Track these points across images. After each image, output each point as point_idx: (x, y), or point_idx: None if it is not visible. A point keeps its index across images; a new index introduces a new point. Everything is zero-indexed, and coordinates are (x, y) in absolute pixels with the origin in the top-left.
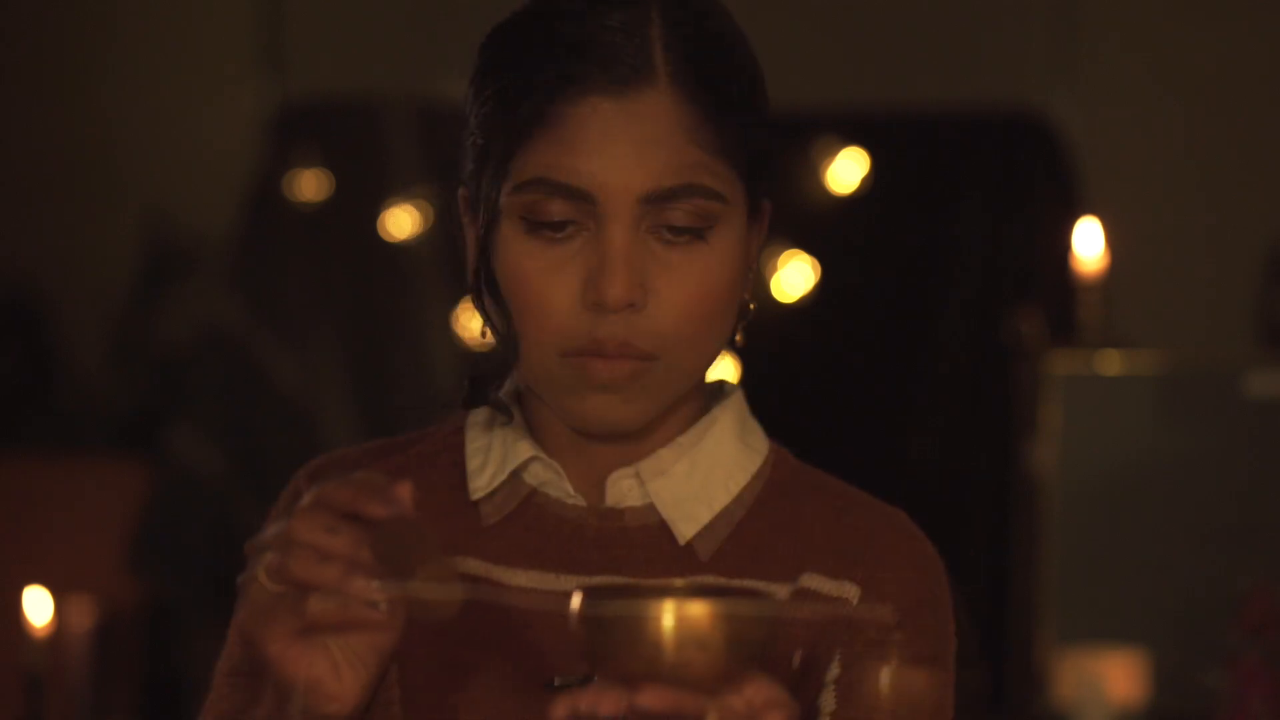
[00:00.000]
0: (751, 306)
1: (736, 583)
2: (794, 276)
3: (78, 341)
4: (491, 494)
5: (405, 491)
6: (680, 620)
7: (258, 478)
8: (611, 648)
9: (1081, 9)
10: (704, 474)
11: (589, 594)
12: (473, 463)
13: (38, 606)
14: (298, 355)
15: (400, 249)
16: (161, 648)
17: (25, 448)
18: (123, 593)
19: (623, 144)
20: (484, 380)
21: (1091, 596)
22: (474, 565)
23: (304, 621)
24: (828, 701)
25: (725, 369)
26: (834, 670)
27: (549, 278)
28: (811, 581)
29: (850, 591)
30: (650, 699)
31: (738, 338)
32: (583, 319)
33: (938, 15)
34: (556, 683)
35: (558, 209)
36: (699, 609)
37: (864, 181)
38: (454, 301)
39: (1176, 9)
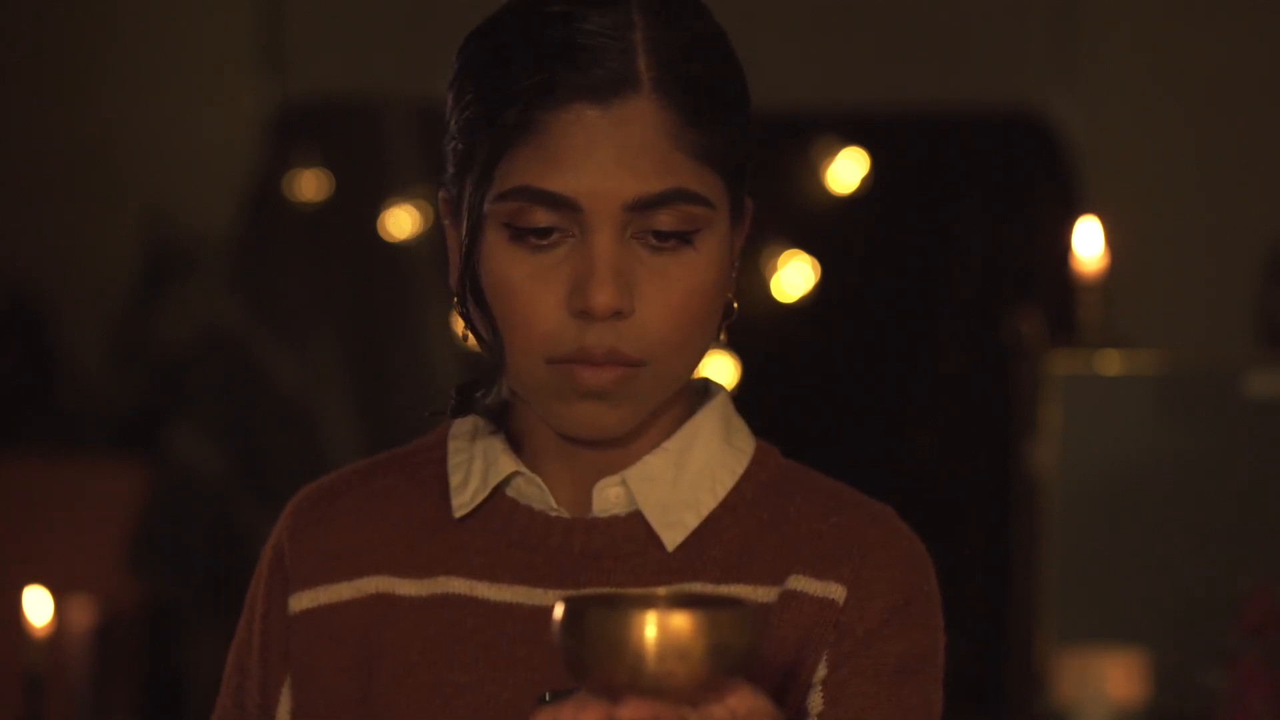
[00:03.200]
0: (735, 305)
1: (721, 590)
2: (794, 276)
3: (78, 341)
4: (474, 510)
5: None
6: (661, 631)
7: (258, 478)
8: (593, 659)
9: (1081, 9)
10: (690, 479)
11: (570, 605)
12: (454, 478)
13: (38, 606)
14: (298, 355)
15: (400, 249)
16: (161, 648)
17: (25, 448)
18: (123, 593)
19: (608, 151)
20: (472, 388)
21: (1091, 596)
22: (458, 583)
23: None
24: (815, 702)
25: (725, 369)
26: (821, 671)
27: (535, 285)
28: (798, 583)
29: (837, 592)
30: (632, 711)
31: (721, 335)
32: (570, 326)
33: (938, 15)
34: (548, 697)
35: (542, 217)
36: (680, 620)
37: (864, 181)
38: (453, 301)
39: (1176, 9)
